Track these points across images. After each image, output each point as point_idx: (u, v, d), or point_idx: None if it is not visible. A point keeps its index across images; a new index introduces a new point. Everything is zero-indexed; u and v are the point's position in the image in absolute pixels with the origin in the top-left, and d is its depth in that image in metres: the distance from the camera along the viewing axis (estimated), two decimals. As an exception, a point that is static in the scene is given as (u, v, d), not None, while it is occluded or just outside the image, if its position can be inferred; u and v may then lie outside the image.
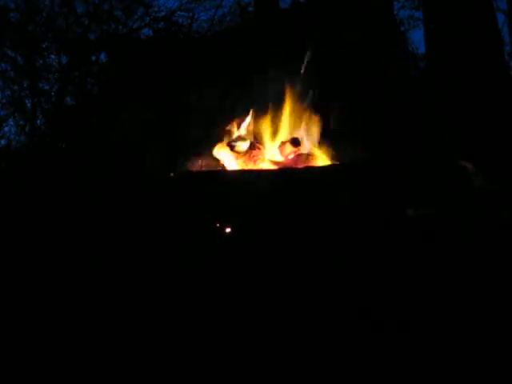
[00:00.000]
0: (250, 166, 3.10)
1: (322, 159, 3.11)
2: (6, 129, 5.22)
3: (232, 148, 3.18)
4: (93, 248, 2.46)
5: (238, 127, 3.30)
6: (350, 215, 2.45)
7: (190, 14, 5.50)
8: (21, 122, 5.06)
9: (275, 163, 3.12)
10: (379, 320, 1.92)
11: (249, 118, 3.30)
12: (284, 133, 3.28)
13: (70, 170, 3.66)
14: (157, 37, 5.14)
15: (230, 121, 3.33)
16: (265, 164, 3.12)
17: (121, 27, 5.08)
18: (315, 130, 3.24)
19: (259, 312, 1.99)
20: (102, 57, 5.09)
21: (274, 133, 3.30)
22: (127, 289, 2.21)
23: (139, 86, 3.95)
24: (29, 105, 4.97)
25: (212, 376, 1.73)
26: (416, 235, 2.37)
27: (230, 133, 3.27)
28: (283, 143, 3.20)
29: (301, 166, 2.99)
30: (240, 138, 3.23)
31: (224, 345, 1.85)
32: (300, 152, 3.17)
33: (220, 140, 3.22)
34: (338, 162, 3.06)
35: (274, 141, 3.29)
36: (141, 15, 5.32)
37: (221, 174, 3.05)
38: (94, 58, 5.06)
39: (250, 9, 5.70)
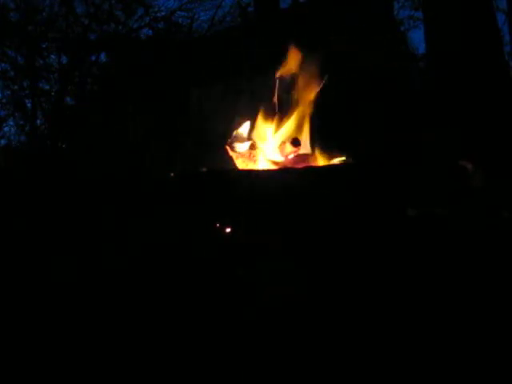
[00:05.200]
0: (250, 166, 3.09)
1: (321, 160, 3.11)
2: (6, 129, 5.23)
3: (232, 148, 3.17)
4: (92, 248, 2.46)
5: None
6: (350, 215, 2.45)
7: (190, 14, 5.51)
8: (21, 122, 5.07)
9: (275, 163, 3.12)
10: (380, 320, 1.92)
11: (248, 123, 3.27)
12: (285, 133, 3.28)
13: (70, 169, 3.66)
14: (157, 37, 5.14)
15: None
16: (265, 164, 3.12)
17: (121, 27, 5.09)
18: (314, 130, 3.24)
19: (259, 312, 1.99)
20: (102, 57, 5.10)
21: (275, 133, 3.29)
22: (126, 289, 2.21)
23: (139, 85, 3.95)
24: (29, 105, 4.98)
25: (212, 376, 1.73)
26: (416, 235, 2.37)
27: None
28: (283, 143, 3.20)
29: (301, 166, 2.99)
30: (240, 138, 3.22)
31: (223, 346, 1.85)
32: (300, 152, 3.16)
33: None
34: (337, 163, 3.06)
35: (275, 141, 3.29)
36: (141, 15, 5.33)
37: (221, 173, 3.05)
38: (93, 57, 5.07)
39: (250, 9, 5.72)
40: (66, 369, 1.77)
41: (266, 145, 3.27)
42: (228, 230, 2.50)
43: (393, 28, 4.16)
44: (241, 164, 3.14)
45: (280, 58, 3.37)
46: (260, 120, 3.28)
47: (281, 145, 3.22)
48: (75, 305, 2.14)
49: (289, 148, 3.17)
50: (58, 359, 1.82)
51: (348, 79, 3.45)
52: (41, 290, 2.28)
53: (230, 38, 4.22)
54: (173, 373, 1.75)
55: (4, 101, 5.08)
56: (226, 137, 3.28)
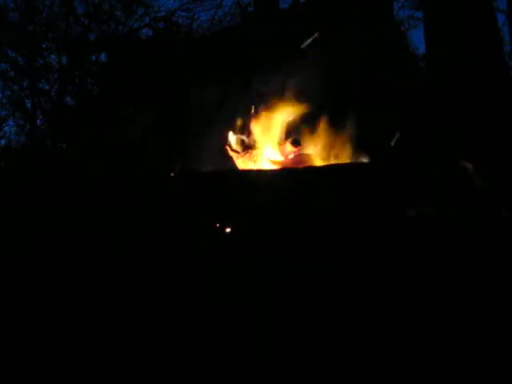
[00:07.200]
0: (250, 166, 3.10)
1: (321, 159, 3.12)
2: (6, 129, 5.23)
3: (232, 148, 3.18)
4: (92, 248, 2.46)
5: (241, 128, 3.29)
6: (350, 215, 2.45)
7: (190, 14, 5.50)
8: (21, 122, 5.07)
9: (275, 163, 3.13)
10: (379, 321, 1.92)
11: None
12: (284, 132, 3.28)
13: (70, 169, 3.66)
14: (157, 37, 5.14)
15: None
16: (265, 164, 3.12)
17: (121, 27, 5.08)
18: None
19: (258, 312, 1.99)
20: (102, 57, 5.10)
21: (275, 132, 3.29)
22: (126, 289, 2.21)
23: (139, 85, 3.95)
24: (29, 105, 4.98)
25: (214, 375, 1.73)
26: (416, 235, 2.37)
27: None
28: (283, 143, 3.21)
29: (301, 166, 2.99)
30: (240, 139, 3.23)
31: (223, 346, 1.85)
32: (300, 152, 3.17)
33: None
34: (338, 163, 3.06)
35: (274, 140, 3.29)
36: (141, 15, 5.32)
37: (221, 174, 3.05)
38: (94, 57, 5.06)
39: (250, 9, 5.71)
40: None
41: (266, 145, 3.27)
42: (228, 229, 2.50)
43: (393, 28, 4.17)
44: (241, 164, 3.14)
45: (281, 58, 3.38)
46: (261, 119, 3.29)
47: (281, 145, 3.23)
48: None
49: (289, 148, 3.17)
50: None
51: (347, 79, 3.46)
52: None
53: (230, 38, 4.23)
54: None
55: (4, 101, 5.08)
56: (226, 137, 3.29)
